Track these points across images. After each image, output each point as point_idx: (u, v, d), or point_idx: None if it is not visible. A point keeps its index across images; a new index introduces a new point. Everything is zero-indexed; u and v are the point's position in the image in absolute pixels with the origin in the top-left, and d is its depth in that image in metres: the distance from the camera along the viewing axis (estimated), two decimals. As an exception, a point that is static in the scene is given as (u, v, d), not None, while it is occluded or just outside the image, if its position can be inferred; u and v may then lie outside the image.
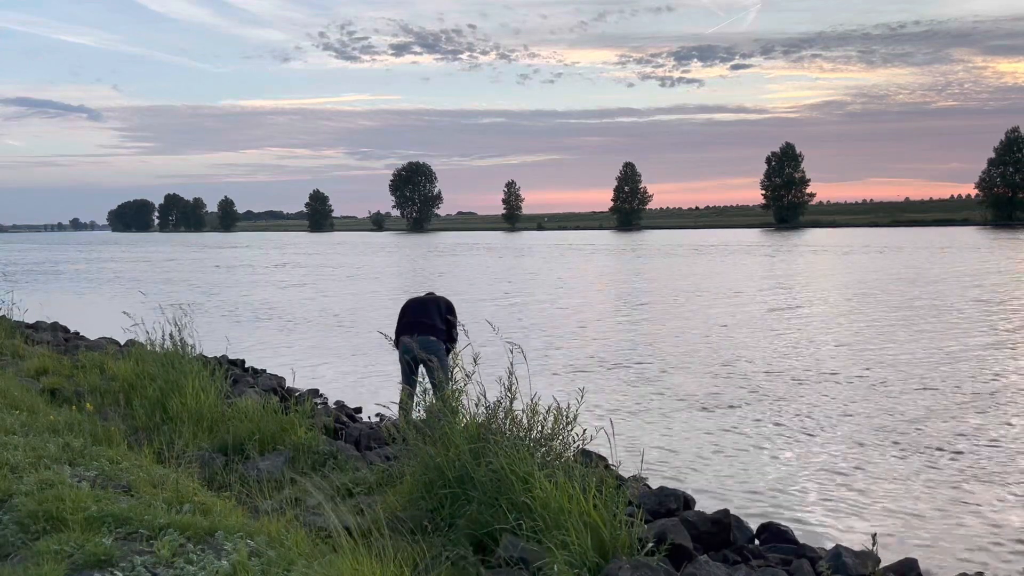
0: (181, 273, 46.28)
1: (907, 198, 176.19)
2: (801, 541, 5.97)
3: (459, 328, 8.35)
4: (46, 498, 4.68)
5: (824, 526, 6.81)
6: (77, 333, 17.86)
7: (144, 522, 4.54)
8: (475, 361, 5.87)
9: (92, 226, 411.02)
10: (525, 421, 5.44)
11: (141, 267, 54.14)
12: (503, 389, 5.53)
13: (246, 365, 14.02)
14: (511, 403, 5.49)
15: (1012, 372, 12.86)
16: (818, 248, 58.30)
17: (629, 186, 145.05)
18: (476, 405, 5.60)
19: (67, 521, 4.46)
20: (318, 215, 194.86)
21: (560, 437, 5.42)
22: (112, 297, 30.87)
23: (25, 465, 5.50)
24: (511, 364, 5.51)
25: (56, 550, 4.12)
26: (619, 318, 21.50)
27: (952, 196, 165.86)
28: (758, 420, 10.28)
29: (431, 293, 9.46)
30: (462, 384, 5.86)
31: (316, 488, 5.47)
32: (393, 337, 8.50)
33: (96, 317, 22.26)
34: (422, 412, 6.18)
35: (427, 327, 8.75)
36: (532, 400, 5.50)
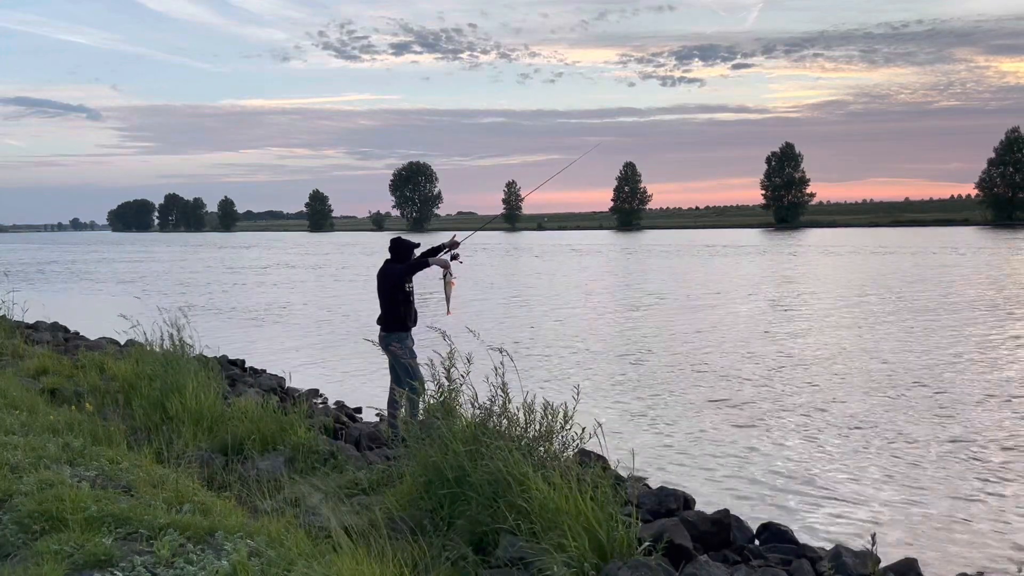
0: (184, 273, 46.26)
1: (907, 198, 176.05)
2: (801, 541, 5.97)
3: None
4: (46, 498, 4.68)
5: (824, 526, 6.82)
6: (77, 333, 17.84)
7: (144, 522, 4.54)
8: (468, 361, 5.85)
9: (92, 226, 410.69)
10: (522, 419, 5.42)
11: (143, 267, 54.13)
12: (494, 389, 5.50)
13: (246, 365, 14.02)
14: (504, 404, 5.46)
15: (1013, 372, 12.85)
16: (820, 249, 58.25)
17: (629, 186, 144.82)
18: (473, 406, 5.59)
19: (67, 521, 4.46)
20: (318, 215, 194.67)
21: (558, 436, 5.41)
22: (112, 297, 30.86)
23: (25, 465, 5.50)
24: (501, 363, 5.49)
25: (56, 550, 4.12)
26: (620, 318, 21.48)
27: (952, 196, 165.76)
28: (759, 420, 10.28)
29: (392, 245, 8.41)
30: (458, 384, 5.84)
31: (315, 488, 5.48)
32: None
33: (96, 317, 22.24)
34: (404, 411, 6.17)
35: (382, 318, 8.23)
36: (525, 400, 5.48)
